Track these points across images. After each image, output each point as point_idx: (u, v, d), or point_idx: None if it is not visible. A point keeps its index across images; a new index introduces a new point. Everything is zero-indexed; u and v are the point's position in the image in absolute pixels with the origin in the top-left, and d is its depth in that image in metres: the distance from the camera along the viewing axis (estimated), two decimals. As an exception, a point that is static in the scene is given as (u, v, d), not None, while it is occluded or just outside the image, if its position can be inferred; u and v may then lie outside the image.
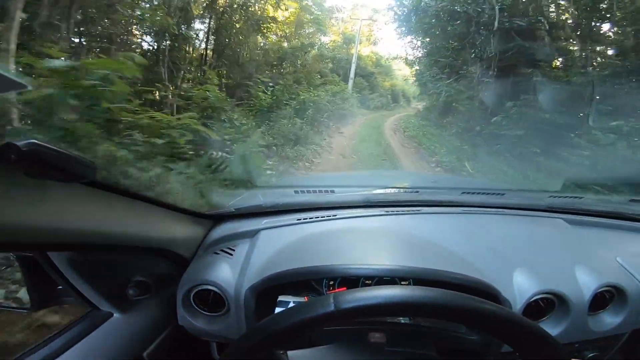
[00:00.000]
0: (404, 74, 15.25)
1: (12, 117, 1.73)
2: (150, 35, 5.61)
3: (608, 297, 0.80)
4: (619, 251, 0.90)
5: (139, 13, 5.07)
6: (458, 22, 7.19)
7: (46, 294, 0.70)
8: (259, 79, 7.15)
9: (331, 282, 0.82)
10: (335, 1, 14.98)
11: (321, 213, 0.98)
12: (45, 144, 0.39)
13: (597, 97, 4.87)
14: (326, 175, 3.84)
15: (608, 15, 5.68)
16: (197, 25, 6.52)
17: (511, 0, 6.45)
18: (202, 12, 6.50)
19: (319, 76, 9.95)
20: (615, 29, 5.66)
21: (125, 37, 5.29)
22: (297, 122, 6.21)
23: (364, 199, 1.07)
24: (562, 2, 6.51)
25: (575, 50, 6.20)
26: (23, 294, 0.71)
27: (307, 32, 10.90)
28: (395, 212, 1.00)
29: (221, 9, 6.87)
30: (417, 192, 1.21)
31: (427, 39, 9.28)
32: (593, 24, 5.98)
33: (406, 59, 11.16)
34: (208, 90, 5.07)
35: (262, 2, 7.79)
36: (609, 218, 1.06)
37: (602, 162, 4.21)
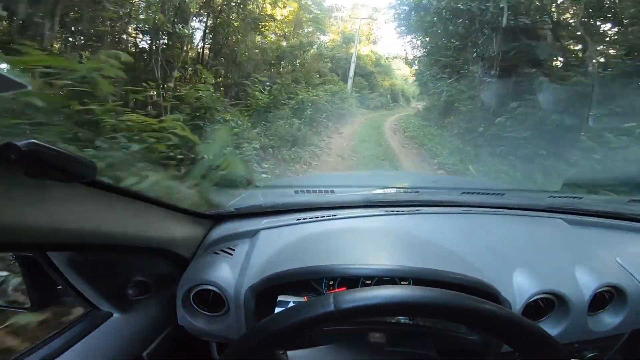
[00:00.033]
0: (403, 73, 15.30)
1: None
2: (142, 33, 5.52)
3: (608, 297, 0.81)
4: (619, 251, 0.90)
5: (127, 10, 4.94)
6: (460, 20, 7.03)
7: (46, 293, 0.70)
8: (256, 78, 7.09)
9: (331, 282, 0.82)
10: (334, 0, 14.96)
11: (321, 213, 0.98)
12: (45, 144, 0.39)
13: (607, 98, 4.65)
14: (326, 175, 3.83)
15: (616, 14, 5.55)
16: (194, 23, 6.46)
17: (517, -2, 6.29)
18: (198, 9, 6.42)
19: (317, 75, 9.93)
20: (624, 28, 5.51)
21: (116, 36, 5.19)
22: (295, 123, 6.12)
23: (363, 199, 1.07)
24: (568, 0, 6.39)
25: (583, 49, 6.01)
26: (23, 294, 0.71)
27: (306, 31, 10.89)
28: (395, 212, 1.00)
29: (218, 7, 6.81)
30: (417, 192, 1.21)
31: (428, 38, 9.20)
32: (601, 21, 5.83)
33: (406, 58, 11.17)
34: (200, 90, 4.94)
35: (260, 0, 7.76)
36: (609, 218, 1.06)
37: (614, 165, 4.05)
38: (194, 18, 6.36)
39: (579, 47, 6.21)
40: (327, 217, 0.96)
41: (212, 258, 0.85)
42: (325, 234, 0.89)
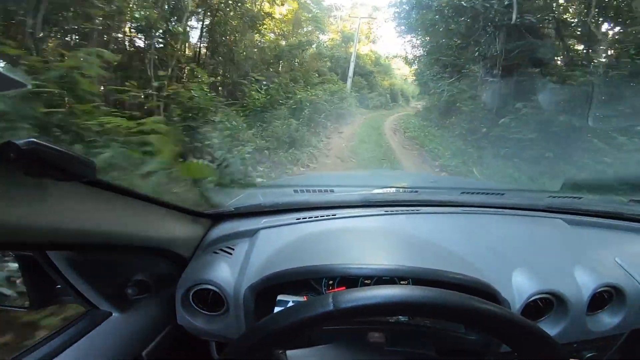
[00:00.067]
0: (403, 73, 15.31)
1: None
2: (135, 31, 5.35)
3: (607, 297, 0.81)
4: (618, 251, 0.91)
5: (116, 7, 4.72)
6: (462, 18, 6.87)
7: (46, 293, 0.69)
8: (253, 77, 7.00)
9: (330, 282, 0.82)
10: (334, -1, 14.91)
11: (320, 212, 0.98)
12: (45, 143, 0.39)
13: (616, 99, 4.53)
14: (325, 174, 3.83)
15: (626, 12, 5.40)
16: (191, 22, 6.33)
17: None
18: (195, 7, 6.31)
19: (316, 75, 9.91)
20: (634, 26, 5.34)
21: (106, 34, 5.01)
22: (293, 123, 6.02)
23: (363, 198, 1.07)
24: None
25: (590, 48, 5.86)
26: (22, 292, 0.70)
27: (305, 30, 10.88)
28: (395, 212, 1.00)
29: (215, 5, 6.72)
30: (417, 192, 1.22)
31: (428, 37, 9.09)
32: (610, 20, 5.70)
33: (406, 57, 11.16)
34: (192, 90, 4.80)
35: (258, -2, 7.69)
36: (608, 218, 1.06)
37: (627, 168, 3.92)
38: (191, 16, 6.22)
39: (585, 46, 6.04)
40: (327, 217, 0.96)
41: (212, 257, 0.85)
42: (324, 234, 0.89)
